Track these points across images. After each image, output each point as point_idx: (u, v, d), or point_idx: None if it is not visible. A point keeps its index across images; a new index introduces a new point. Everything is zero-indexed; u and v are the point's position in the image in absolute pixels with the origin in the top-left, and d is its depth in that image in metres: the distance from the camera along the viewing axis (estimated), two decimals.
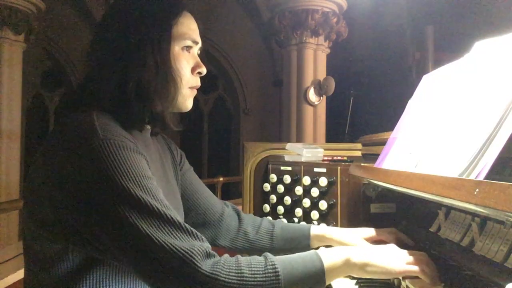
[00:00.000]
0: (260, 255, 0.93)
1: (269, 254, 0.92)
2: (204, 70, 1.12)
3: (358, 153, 1.85)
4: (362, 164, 1.45)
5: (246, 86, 8.91)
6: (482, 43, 1.06)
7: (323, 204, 1.54)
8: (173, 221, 0.87)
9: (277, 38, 6.79)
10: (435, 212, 1.20)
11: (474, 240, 1.00)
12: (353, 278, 1.21)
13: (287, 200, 1.64)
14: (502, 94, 0.85)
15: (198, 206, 1.33)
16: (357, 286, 1.19)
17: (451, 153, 0.93)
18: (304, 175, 1.62)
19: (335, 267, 0.94)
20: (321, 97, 6.51)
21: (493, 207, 0.65)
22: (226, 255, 0.90)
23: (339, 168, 1.54)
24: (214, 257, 0.87)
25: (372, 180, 1.34)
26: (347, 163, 1.57)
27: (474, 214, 1.01)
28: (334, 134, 6.92)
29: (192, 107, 1.14)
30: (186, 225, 0.89)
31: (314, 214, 1.57)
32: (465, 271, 1.00)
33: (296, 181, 1.65)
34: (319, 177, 1.57)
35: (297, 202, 1.64)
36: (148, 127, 1.12)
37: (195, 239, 0.88)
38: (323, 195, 1.56)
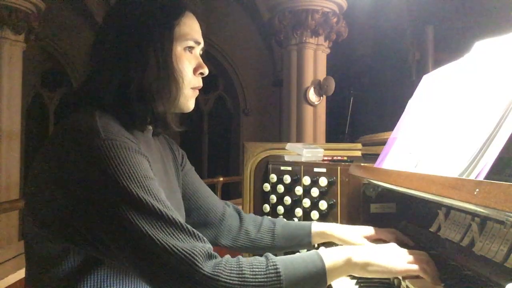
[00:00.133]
0: (261, 255, 0.93)
1: (270, 255, 0.92)
2: (206, 71, 1.11)
3: (358, 153, 1.85)
4: (362, 164, 1.45)
5: (246, 86, 8.91)
6: (482, 43, 1.06)
7: (323, 204, 1.54)
8: (174, 222, 0.87)
9: (277, 38, 6.79)
10: (435, 212, 1.20)
11: (474, 240, 1.00)
12: (353, 278, 1.21)
13: (287, 200, 1.64)
14: (502, 94, 0.85)
15: (200, 206, 1.33)
16: (357, 286, 1.19)
17: (451, 153, 0.93)
18: (304, 175, 1.62)
19: (336, 266, 0.94)
20: (321, 97, 6.51)
21: (493, 207, 0.65)
22: (227, 256, 0.90)
23: (339, 168, 1.54)
24: (216, 258, 0.87)
25: (372, 180, 1.34)
26: (347, 163, 1.57)
27: (474, 214, 1.01)
28: (334, 134, 6.92)
29: (194, 107, 1.14)
30: (188, 226, 0.89)
31: (314, 214, 1.57)
32: (465, 271, 1.00)
33: (296, 181, 1.65)
34: (319, 177, 1.57)
35: (297, 202, 1.64)
36: (150, 127, 1.12)
37: (197, 240, 0.88)
38: (323, 195, 1.57)
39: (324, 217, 1.55)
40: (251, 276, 0.86)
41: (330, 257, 0.94)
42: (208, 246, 0.88)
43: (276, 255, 0.94)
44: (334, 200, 1.54)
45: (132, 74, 1.00)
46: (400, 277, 1.04)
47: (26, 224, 0.98)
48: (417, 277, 0.99)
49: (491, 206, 0.66)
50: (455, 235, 1.08)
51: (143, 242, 0.84)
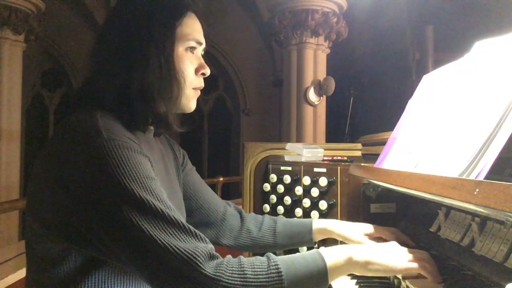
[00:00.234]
0: (263, 254, 0.94)
1: (271, 255, 0.92)
2: (208, 71, 1.11)
3: (358, 153, 1.86)
4: (362, 164, 1.45)
5: (246, 86, 8.91)
6: (482, 43, 1.06)
7: (323, 204, 1.55)
8: (176, 223, 0.87)
9: (277, 38, 6.79)
10: (435, 212, 1.21)
11: (474, 240, 1.00)
12: (353, 278, 1.21)
13: (287, 200, 1.64)
14: (502, 94, 0.85)
15: (201, 206, 1.33)
16: (357, 286, 1.19)
17: (451, 153, 0.93)
18: (304, 175, 1.62)
19: (338, 265, 0.94)
20: (321, 97, 6.51)
21: (493, 207, 0.66)
22: (229, 256, 0.90)
23: (339, 168, 1.54)
24: (217, 258, 0.87)
25: (372, 180, 1.34)
26: (347, 163, 1.57)
27: (474, 214, 1.01)
28: (334, 134, 6.93)
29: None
30: (190, 226, 0.89)
31: (314, 214, 1.57)
32: (465, 271, 1.00)
33: (296, 181, 1.65)
34: (319, 177, 1.57)
35: (297, 202, 1.64)
36: (151, 127, 1.12)
37: (198, 240, 0.88)
38: (323, 195, 1.57)
39: (324, 217, 1.55)
40: (253, 276, 0.86)
41: (331, 256, 0.95)
42: (210, 247, 0.88)
43: (276, 254, 0.94)
44: (334, 200, 1.54)
45: (133, 75, 1.00)
46: (400, 277, 1.04)
47: (27, 224, 0.98)
48: (417, 276, 0.99)
49: (491, 206, 0.66)
50: (455, 235, 1.08)
51: (145, 242, 0.84)
